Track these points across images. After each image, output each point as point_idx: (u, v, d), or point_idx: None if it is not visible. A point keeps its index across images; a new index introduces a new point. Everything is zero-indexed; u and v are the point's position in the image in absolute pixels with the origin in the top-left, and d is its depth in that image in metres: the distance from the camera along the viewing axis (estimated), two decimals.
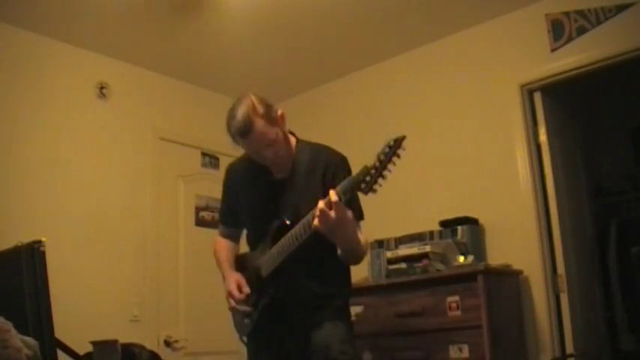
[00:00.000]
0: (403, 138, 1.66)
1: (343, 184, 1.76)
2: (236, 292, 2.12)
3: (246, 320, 2.17)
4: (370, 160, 1.72)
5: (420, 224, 3.55)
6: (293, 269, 2.06)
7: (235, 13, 3.49)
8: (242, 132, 2.02)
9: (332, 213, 1.76)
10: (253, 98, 2.05)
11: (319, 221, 1.78)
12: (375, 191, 1.67)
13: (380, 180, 1.66)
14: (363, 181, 1.68)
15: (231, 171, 2.37)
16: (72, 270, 3.38)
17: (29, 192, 3.39)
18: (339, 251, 2.02)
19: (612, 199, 4.56)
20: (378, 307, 3.26)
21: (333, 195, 1.76)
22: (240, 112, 2.02)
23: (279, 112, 2.12)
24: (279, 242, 2.02)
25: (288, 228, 1.99)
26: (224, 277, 2.25)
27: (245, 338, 2.24)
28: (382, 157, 1.66)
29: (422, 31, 3.86)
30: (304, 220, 1.89)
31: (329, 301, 2.11)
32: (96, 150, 3.77)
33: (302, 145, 2.23)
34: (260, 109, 2.03)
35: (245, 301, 2.12)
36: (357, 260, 2.09)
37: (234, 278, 2.17)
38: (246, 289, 2.12)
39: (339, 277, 2.20)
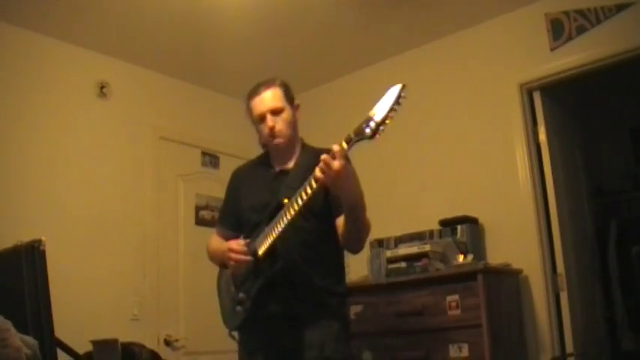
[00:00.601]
0: (403, 86, 1.70)
1: (346, 135, 1.77)
2: (235, 245, 2.10)
3: (239, 308, 2.14)
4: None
5: (420, 223, 3.55)
6: (290, 252, 2.06)
7: (235, 12, 3.49)
8: (259, 87, 2.23)
9: (335, 162, 1.75)
10: (279, 78, 2.28)
11: (321, 171, 1.77)
12: (379, 134, 1.69)
13: (382, 126, 1.68)
14: (367, 126, 1.69)
15: (236, 174, 2.44)
16: (72, 270, 3.38)
17: (29, 192, 3.40)
18: (341, 231, 2.03)
19: (612, 198, 4.56)
20: (378, 307, 3.26)
21: (335, 145, 1.77)
22: (265, 79, 2.27)
23: (297, 102, 2.31)
24: (277, 215, 1.99)
25: (284, 206, 1.97)
26: (220, 251, 2.21)
27: (235, 334, 2.23)
28: (384, 103, 1.69)
29: (421, 30, 3.85)
30: (305, 183, 1.87)
31: (325, 299, 2.10)
32: (96, 150, 3.77)
33: (307, 148, 2.31)
34: (281, 83, 2.26)
35: (244, 252, 2.09)
36: (361, 231, 2.05)
37: (231, 241, 2.17)
38: (243, 242, 2.12)
39: (335, 273, 2.19)
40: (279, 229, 1.97)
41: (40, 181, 3.47)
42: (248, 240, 2.14)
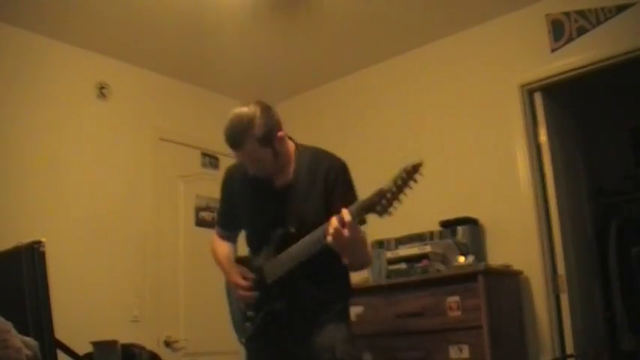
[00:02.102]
0: (420, 164, 1.67)
1: (357, 205, 1.77)
2: (242, 281, 2.14)
3: (248, 324, 2.17)
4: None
5: (420, 224, 3.54)
6: (296, 276, 2.07)
7: (235, 13, 3.49)
8: (231, 145, 2.06)
9: (345, 231, 1.77)
10: (258, 115, 2.03)
11: (333, 238, 1.79)
12: (390, 214, 1.69)
13: (395, 203, 1.68)
14: (379, 203, 1.69)
15: (229, 175, 2.36)
16: (72, 270, 3.37)
17: (29, 192, 3.39)
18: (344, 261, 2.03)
19: (612, 199, 4.56)
20: (378, 308, 3.26)
21: (346, 215, 1.76)
22: (236, 126, 2.03)
23: (280, 134, 2.10)
24: (286, 251, 2.02)
25: (292, 236, 2.01)
26: (226, 272, 2.25)
27: (244, 340, 2.25)
28: (399, 181, 1.67)
29: (422, 31, 3.85)
30: (314, 235, 1.90)
31: (331, 304, 2.12)
32: (96, 150, 3.77)
33: (302, 151, 2.23)
34: (257, 131, 2.02)
35: (250, 288, 2.13)
36: (363, 269, 2.16)
37: (237, 270, 2.20)
38: (250, 275, 2.15)
39: (341, 282, 2.20)
40: (288, 268, 2.02)
41: (40, 181, 3.46)
42: (253, 275, 2.16)
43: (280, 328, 2.12)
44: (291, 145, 2.21)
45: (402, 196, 1.67)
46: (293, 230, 2.02)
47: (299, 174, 2.16)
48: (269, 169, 2.14)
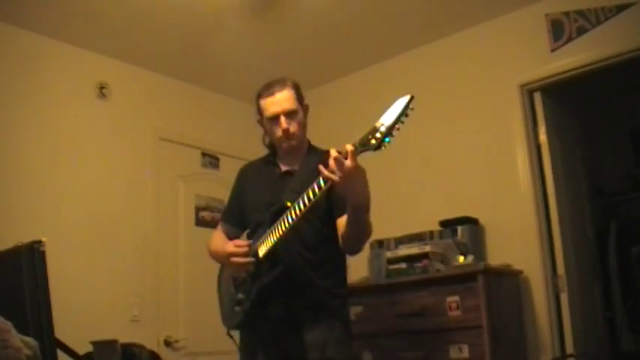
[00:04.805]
0: (411, 98, 1.66)
1: (355, 141, 1.73)
2: (235, 249, 2.10)
3: (237, 308, 2.13)
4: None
5: (420, 224, 3.55)
6: (291, 253, 2.06)
7: (235, 12, 3.49)
8: (272, 87, 2.21)
9: (347, 162, 1.72)
10: (290, 79, 2.27)
11: (331, 171, 1.73)
12: (383, 147, 1.67)
13: (388, 137, 1.66)
14: (373, 137, 1.67)
15: (242, 171, 2.46)
16: (72, 270, 3.38)
17: (29, 192, 3.39)
18: (342, 232, 2.01)
19: (612, 199, 4.56)
20: (378, 307, 3.26)
21: (349, 145, 1.72)
22: (276, 78, 2.26)
23: (306, 102, 2.30)
24: (279, 219, 1.98)
25: (287, 209, 1.96)
26: (221, 251, 2.21)
27: (233, 334, 2.22)
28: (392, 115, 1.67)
29: (422, 30, 3.86)
30: (311, 186, 1.85)
31: (326, 300, 2.10)
32: (96, 150, 3.77)
33: (314, 148, 2.32)
34: (291, 82, 2.25)
35: (245, 254, 2.09)
36: (363, 233, 2.00)
37: (232, 242, 2.19)
38: (244, 243, 2.12)
39: (336, 274, 2.18)
40: (282, 232, 1.97)
41: (40, 181, 3.47)
42: (250, 241, 2.14)
43: (272, 318, 2.08)
44: (307, 140, 2.32)
45: (394, 132, 1.66)
46: (288, 204, 1.96)
47: (306, 163, 2.20)
48: (297, 133, 2.20)
